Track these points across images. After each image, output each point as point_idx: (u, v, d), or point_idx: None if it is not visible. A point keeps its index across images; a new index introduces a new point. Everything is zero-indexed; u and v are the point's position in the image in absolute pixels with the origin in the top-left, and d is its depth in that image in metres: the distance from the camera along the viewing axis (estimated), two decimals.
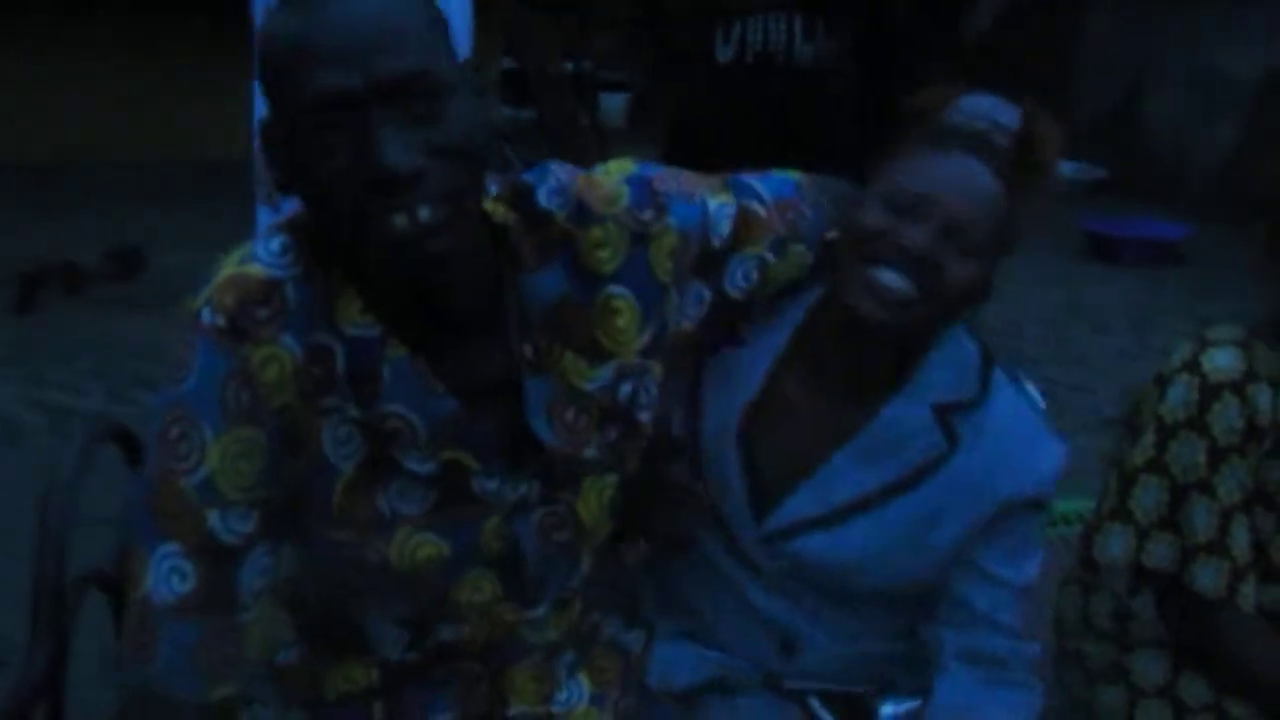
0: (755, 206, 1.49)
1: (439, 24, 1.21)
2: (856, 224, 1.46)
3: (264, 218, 2.89)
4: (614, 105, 8.94)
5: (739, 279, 1.48)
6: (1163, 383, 1.71)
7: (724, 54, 2.64)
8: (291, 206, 2.96)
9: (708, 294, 1.45)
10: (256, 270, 1.24)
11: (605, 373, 1.37)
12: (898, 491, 1.51)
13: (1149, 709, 1.79)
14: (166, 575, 1.23)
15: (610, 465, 1.40)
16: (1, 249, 5.96)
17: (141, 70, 7.95)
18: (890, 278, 1.42)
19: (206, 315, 1.22)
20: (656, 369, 1.41)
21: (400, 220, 1.15)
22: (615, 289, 1.36)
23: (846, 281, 1.46)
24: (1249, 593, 1.69)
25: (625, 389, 1.39)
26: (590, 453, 1.37)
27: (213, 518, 1.22)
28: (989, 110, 1.46)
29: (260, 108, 2.89)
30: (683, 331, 1.44)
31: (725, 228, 1.45)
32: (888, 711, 1.49)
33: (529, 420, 1.33)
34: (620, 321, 1.37)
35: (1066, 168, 8.85)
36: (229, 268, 1.26)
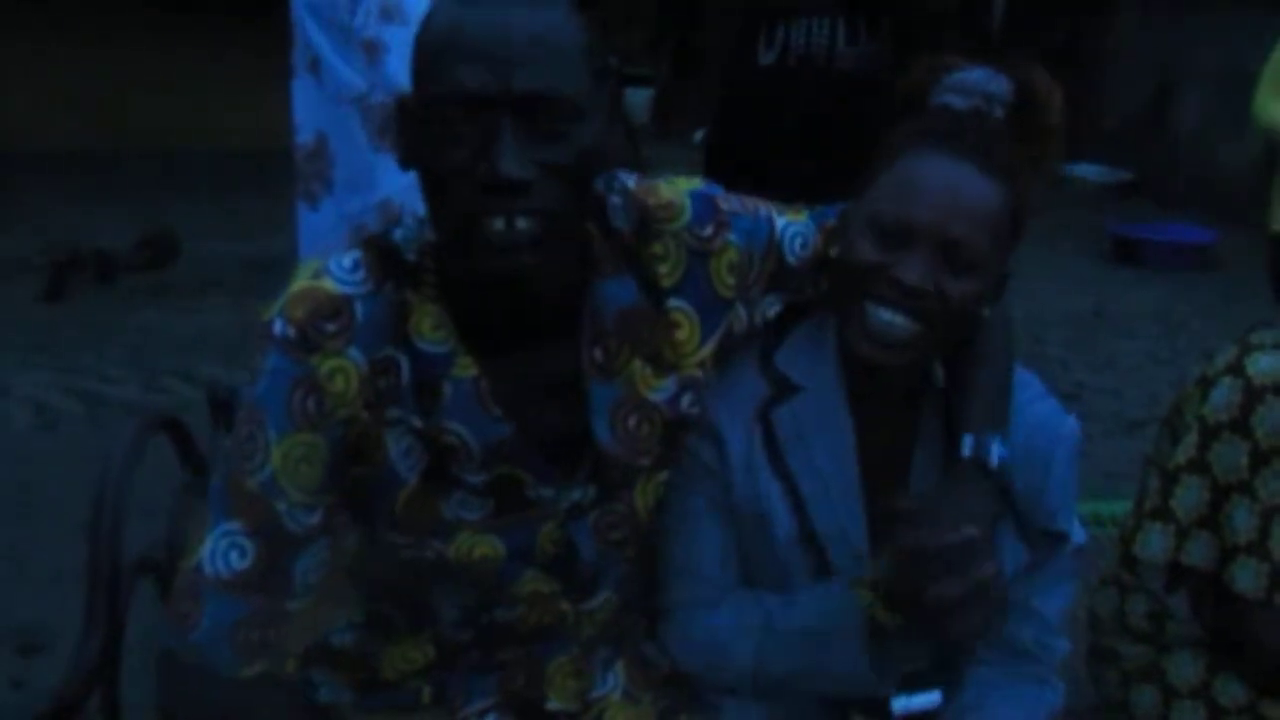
0: (833, 224, 1.49)
1: (589, 50, 1.26)
2: (847, 257, 1.40)
3: (303, 215, 2.94)
4: (638, 101, 8.94)
5: (809, 291, 1.51)
6: (1206, 385, 1.74)
7: (766, 56, 2.65)
8: (332, 206, 2.97)
9: (778, 304, 1.49)
10: (328, 285, 1.29)
11: (669, 384, 1.41)
12: None
13: (1184, 710, 1.81)
14: (225, 550, 1.28)
15: (664, 463, 1.44)
16: (33, 237, 6.03)
17: (175, 60, 7.99)
18: (888, 317, 1.36)
19: (278, 326, 1.27)
20: (711, 369, 1.45)
21: (499, 224, 1.21)
22: (675, 303, 1.41)
23: (845, 321, 1.41)
24: None
25: (686, 400, 1.43)
26: (645, 461, 1.41)
27: (280, 507, 1.28)
28: (979, 83, 1.41)
29: (299, 101, 2.94)
30: (742, 333, 1.47)
31: (799, 245, 1.46)
32: (899, 704, 1.48)
33: (591, 423, 1.37)
34: (680, 334, 1.41)
35: (1093, 171, 8.82)
36: (302, 280, 1.31)
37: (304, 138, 2.93)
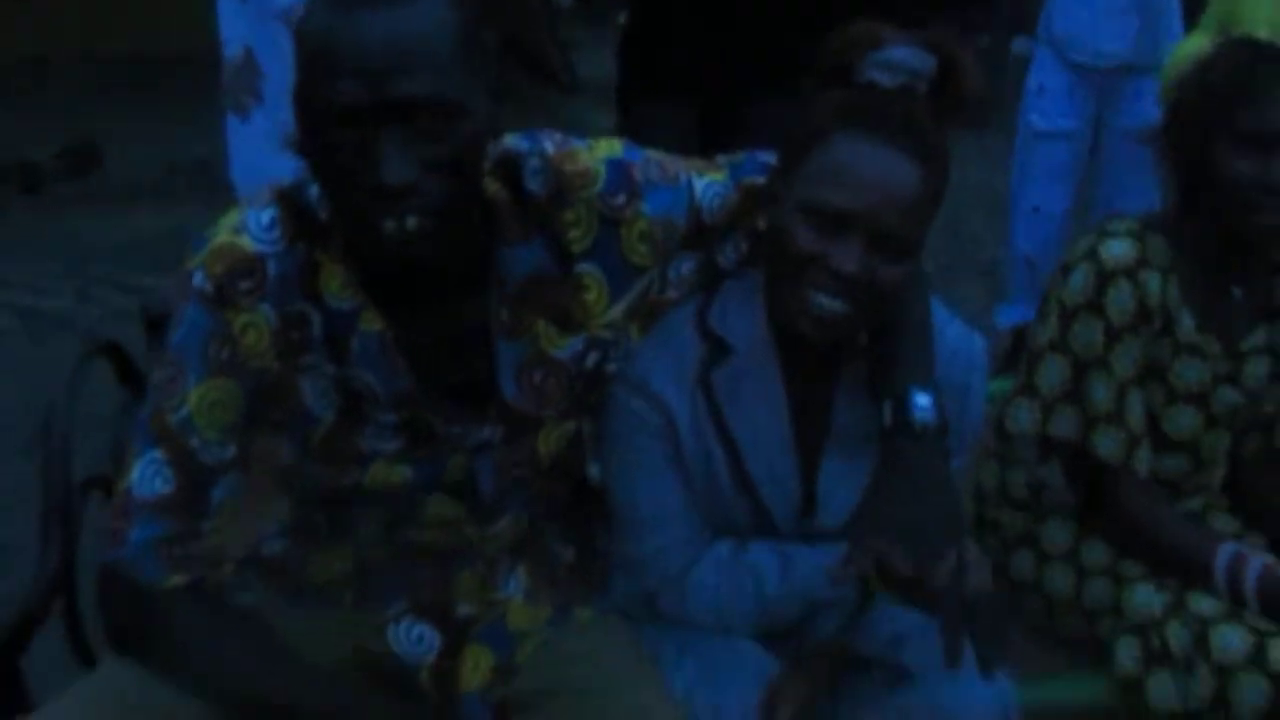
0: (755, 180, 1.56)
1: (466, 41, 1.31)
2: (784, 244, 1.47)
3: (234, 126, 2.99)
4: None
5: (730, 252, 1.58)
6: (1065, 270, 1.89)
7: None
8: (263, 116, 3.02)
9: (701, 263, 1.57)
10: (245, 243, 1.39)
11: (576, 343, 1.50)
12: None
13: (1054, 571, 1.98)
14: (151, 476, 1.41)
15: (571, 413, 1.55)
16: None
17: None
18: (825, 301, 1.45)
19: (198, 279, 1.39)
20: (633, 330, 1.55)
21: (390, 225, 1.29)
22: (585, 267, 1.49)
23: (782, 301, 1.50)
24: (1144, 458, 1.89)
25: (593, 357, 1.52)
26: (550, 412, 1.52)
27: (194, 443, 1.40)
28: (905, 60, 1.45)
29: (224, 16, 2.97)
30: (665, 299, 1.57)
31: (718, 205, 1.54)
32: None
33: (498, 379, 1.48)
34: (589, 297, 1.50)
35: (1026, 46, 8.84)
36: (223, 234, 1.40)
37: (231, 52, 2.96)
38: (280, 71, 2.89)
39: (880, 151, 1.44)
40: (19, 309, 4.50)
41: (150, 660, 1.43)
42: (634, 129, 3.07)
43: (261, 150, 2.93)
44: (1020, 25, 8.77)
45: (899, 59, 1.46)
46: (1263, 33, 2.38)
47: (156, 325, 1.99)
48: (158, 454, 1.40)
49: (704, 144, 3.04)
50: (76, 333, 4.21)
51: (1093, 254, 1.87)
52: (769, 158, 1.57)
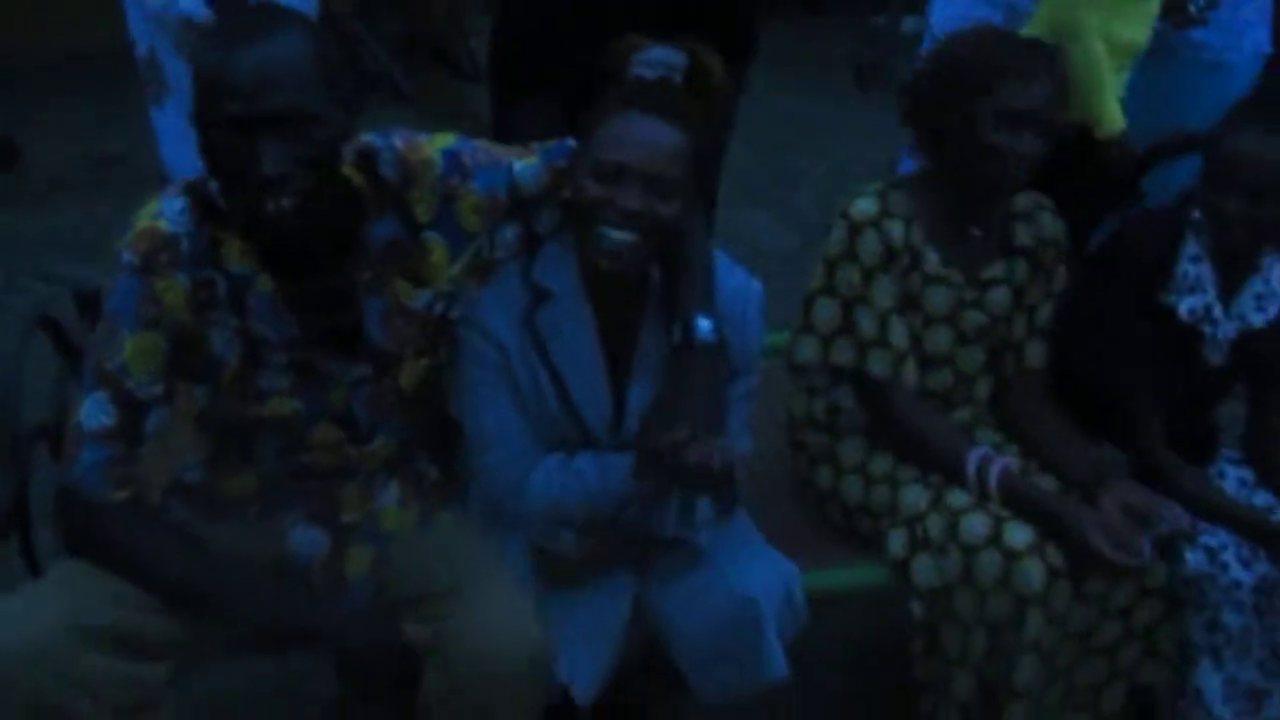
0: (561, 164, 1.95)
1: (324, 67, 1.69)
2: (579, 195, 1.88)
3: (154, 114, 3.36)
4: None
5: (545, 220, 1.99)
6: (829, 229, 2.30)
7: None
8: (174, 105, 3.36)
9: (521, 230, 1.98)
10: (163, 225, 1.78)
11: (425, 295, 1.91)
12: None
13: (849, 482, 2.37)
14: (96, 412, 1.79)
15: (425, 353, 1.95)
16: None
17: None
18: (616, 236, 1.86)
19: (127, 255, 1.77)
20: (471, 284, 1.95)
21: (270, 206, 1.68)
22: (429, 235, 1.89)
23: (585, 243, 1.90)
24: (910, 373, 2.28)
25: (439, 306, 1.93)
26: (409, 352, 1.91)
27: (130, 384, 1.78)
28: (662, 58, 1.91)
29: (130, 16, 3.34)
30: (493, 259, 1.97)
31: (533, 182, 1.95)
32: None
33: (366, 328, 1.87)
34: (434, 259, 1.90)
35: (911, 23, 9.19)
36: (145, 220, 1.78)
37: (140, 51, 3.35)
38: (173, 65, 3.27)
39: (646, 119, 1.87)
40: None
41: (99, 561, 1.79)
42: (505, 121, 3.39)
43: (181, 131, 3.28)
44: (913, 5, 9.21)
45: (656, 57, 1.92)
46: (1096, 39, 2.70)
47: (84, 302, 2.33)
48: (101, 394, 1.78)
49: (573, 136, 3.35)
50: (3, 320, 4.49)
51: (845, 213, 2.28)
52: (572, 144, 1.97)
